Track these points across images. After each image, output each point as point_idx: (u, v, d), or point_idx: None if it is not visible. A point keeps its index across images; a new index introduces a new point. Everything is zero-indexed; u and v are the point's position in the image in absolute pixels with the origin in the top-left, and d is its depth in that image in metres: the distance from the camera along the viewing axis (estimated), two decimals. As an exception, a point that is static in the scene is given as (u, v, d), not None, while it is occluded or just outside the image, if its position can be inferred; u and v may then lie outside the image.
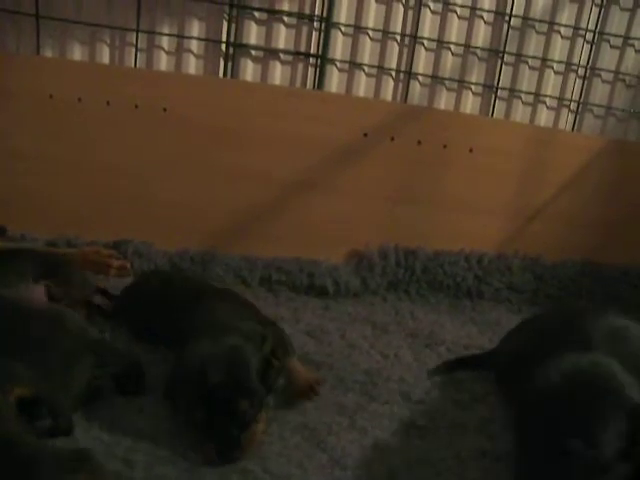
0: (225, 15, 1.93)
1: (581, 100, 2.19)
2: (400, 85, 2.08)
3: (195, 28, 1.93)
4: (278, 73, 2.02)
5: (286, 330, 1.55)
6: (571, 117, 2.20)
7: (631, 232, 2.13)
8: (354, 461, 1.01)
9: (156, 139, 1.84)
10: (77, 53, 1.90)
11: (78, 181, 1.83)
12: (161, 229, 1.88)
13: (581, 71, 2.16)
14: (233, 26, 1.93)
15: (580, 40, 2.13)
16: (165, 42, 1.93)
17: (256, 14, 1.95)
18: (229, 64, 1.96)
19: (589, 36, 2.12)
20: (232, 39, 1.94)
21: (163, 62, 1.93)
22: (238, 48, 1.96)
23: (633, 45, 2.17)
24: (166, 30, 1.92)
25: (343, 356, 1.44)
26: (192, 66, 1.96)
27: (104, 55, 1.92)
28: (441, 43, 2.06)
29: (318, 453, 1.03)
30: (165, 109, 1.83)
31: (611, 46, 2.16)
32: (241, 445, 0.96)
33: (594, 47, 2.14)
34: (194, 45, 1.95)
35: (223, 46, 1.95)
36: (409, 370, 1.43)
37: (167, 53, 1.93)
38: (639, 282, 2.14)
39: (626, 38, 2.15)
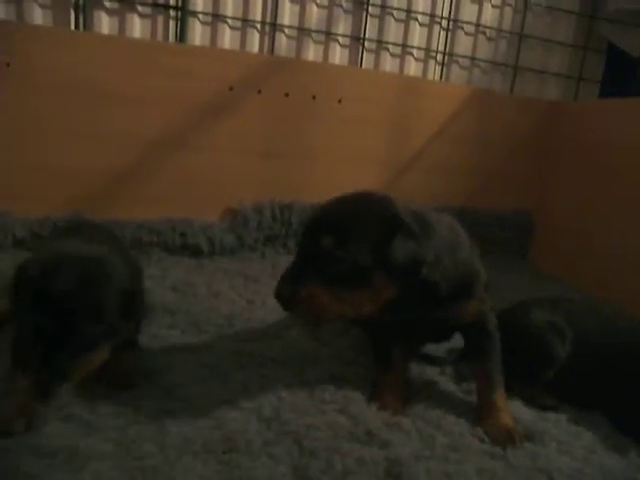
0: (72, -38, 1.80)
1: (446, 51, 2.26)
2: (266, 38, 2.05)
3: (38, -25, 1.79)
4: (137, 27, 1.92)
5: (152, 287, 1.50)
6: (438, 69, 2.27)
7: (501, 178, 2.24)
8: (192, 394, 0.98)
9: (0, 97, 1.70)
10: None
11: None
12: (18, 195, 1.74)
13: (444, 23, 2.23)
14: (82, -25, 1.81)
15: (441, -8, 2.20)
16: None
17: (107, -37, 1.84)
18: (80, 16, 1.84)
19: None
20: (81, -11, 1.82)
21: (1, 10, 1.77)
22: (89, -1, 1.85)
23: (490, 0, 2.27)
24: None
25: (204, 303, 1.41)
26: (38, 16, 1.82)
27: None
28: (305, -6, 2.06)
29: (155, 390, 0.99)
30: (8, 64, 1.69)
31: (471, 0, 2.25)
32: (63, 379, 0.83)
33: (455, 0, 2.22)
34: (38, -6, 1.81)
35: (72, -4, 1.82)
36: (272, 313, 1.42)
37: (4, 1, 1.77)
38: (511, 226, 2.26)
39: (483, -8, 2.25)
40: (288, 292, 0.87)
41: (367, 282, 0.88)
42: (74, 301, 0.83)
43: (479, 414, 1.01)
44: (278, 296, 0.88)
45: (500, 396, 1.02)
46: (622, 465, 0.92)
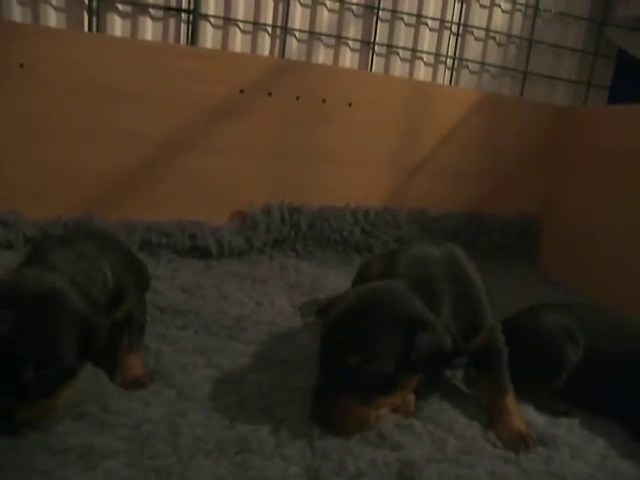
0: (86, -34, 1.82)
1: (456, 56, 2.26)
2: (277, 42, 2.05)
3: (52, -22, 1.81)
4: (149, 29, 1.93)
5: (161, 288, 1.51)
6: (448, 74, 2.27)
7: (509, 183, 2.24)
8: (203, 394, 0.99)
9: (13, 97, 1.71)
10: None
11: None
12: (29, 196, 1.75)
13: (454, 28, 2.23)
14: (96, -22, 1.83)
15: (451, -2, 2.21)
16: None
17: (120, -34, 1.85)
18: (94, 18, 1.85)
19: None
20: (95, -9, 1.83)
21: (16, 13, 1.79)
22: (103, 2, 1.85)
23: (500, 5, 2.27)
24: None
25: (213, 305, 1.41)
26: (53, 19, 1.83)
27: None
28: (316, -1, 2.07)
29: (166, 390, 0.99)
30: (22, 65, 1.70)
31: (480, 5, 2.25)
32: (15, 419, 0.80)
33: (465, 5, 2.22)
34: (52, -4, 1.82)
35: (86, -1, 1.84)
36: (282, 315, 1.43)
37: (20, 3, 1.79)
38: (518, 231, 2.26)
39: (493, -3, 2.26)
40: (325, 413, 0.90)
41: (396, 383, 0.92)
42: (18, 347, 0.78)
43: (490, 418, 1.01)
44: (316, 419, 0.91)
45: (511, 399, 1.02)
46: (636, 471, 0.91)
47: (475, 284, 1.06)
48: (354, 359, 0.88)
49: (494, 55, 2.32)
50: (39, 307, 0.82)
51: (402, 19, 2.17)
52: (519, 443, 0.93)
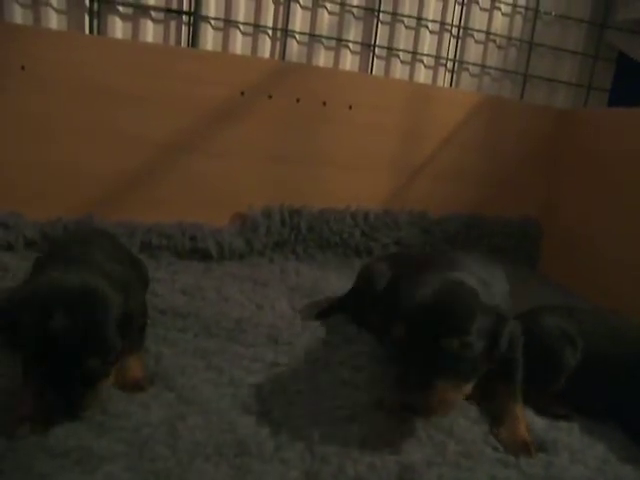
0: (86, -33, 1.82)
1: (456, 59, 2.26)
2: (277, 44, 2.05)
3: (52, -20, 1.81)
4: (150, 32, 1.93)
5: (161, 290, 1.51)
6: (448, 76, 2.27)
7: (510, 186, 2.24)
8: (203, 397, 0.99)
9: (14, 99, 1.71)
10: None
11: None
12: (30, 197, 1.75)
13: (455, 31, 2.24)
14: (96, -20, 1.83)
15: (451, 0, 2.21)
16: (19, -6, 1.79)
17: (121, -32, 1.86)
18: (95, 20, 1.85)
19: (460, -3, 2.20)
20: (96, -6, 1.84)
21: (18, 15, 1.79)
22: (104, 4, 1.86)
23: (500, 8, 2.28)
24: (19, -20, 1.78)
25: (214, 307, 1.41)
26: (54, 21, 1.83)
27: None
28: (317, 0, 2.06)
29: (165, 393, 0.99)
30: (23, 67, 1.71)
31: (481, 8, 2.26)
32: (83, 401, 0.86)
33: (465, 7, 2.22)
34: (53, -2, 1.83)
35: (87, 0, 1.84)
36: (282, 317, 1.42)
37: (21, 5, 1.79)
38: (517, 233, 2.26)
39: (493, 0, 2.25)
40: (419, 401, 0.88)
41: (478, 370, 0.95)
42: (81, 339, 0.83)
43: (496, 421, 1.01)
44: (411, 408, 0.89)
45: (519, 407, 1.03)
46: (636, 475, 0.91)
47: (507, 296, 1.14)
48: (454, 343, 0.89)
49: (494, 58, 2.32)
50: (88, 301, 0.87)
51: (402, 22, 2.17)
52: (521, 449, 0.93)
